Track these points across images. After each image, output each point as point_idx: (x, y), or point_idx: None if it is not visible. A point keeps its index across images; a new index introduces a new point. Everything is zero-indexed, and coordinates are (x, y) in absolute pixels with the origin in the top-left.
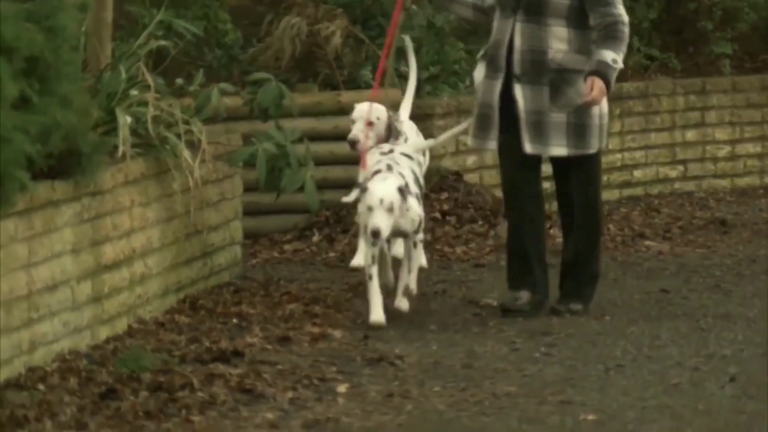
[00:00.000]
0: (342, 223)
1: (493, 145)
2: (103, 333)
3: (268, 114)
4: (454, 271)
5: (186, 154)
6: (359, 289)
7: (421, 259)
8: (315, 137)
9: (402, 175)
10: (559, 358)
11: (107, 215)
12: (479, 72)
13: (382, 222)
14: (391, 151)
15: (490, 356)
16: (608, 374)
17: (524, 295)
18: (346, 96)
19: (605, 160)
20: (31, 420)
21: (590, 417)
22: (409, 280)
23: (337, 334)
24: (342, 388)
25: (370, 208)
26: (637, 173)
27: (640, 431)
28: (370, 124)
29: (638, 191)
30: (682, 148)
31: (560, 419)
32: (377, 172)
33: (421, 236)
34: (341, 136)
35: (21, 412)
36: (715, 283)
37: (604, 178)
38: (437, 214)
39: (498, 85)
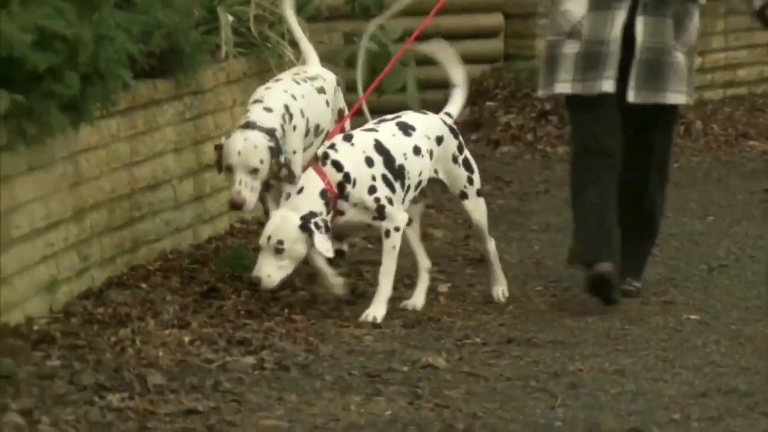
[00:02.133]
0: None
1: (608, 86)
2: (205, 233)
3: (370, 13)
4: (556, 170)
5: (288, 53)
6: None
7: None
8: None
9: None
10: (662, 258)
11: (209, 114)
12: (573, 4)
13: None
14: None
15: None
16: (711, 274)
17: (608, 267)
18: None
19: (709, 59)
20: (133, 318)
21: (693, 317)
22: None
23: (438, 234)
24: (443, 288)
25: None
26: (741, 72)
27: (744, 331)
28: (254, 171)
29: (742, 91)
30: None
31: (663, 319)
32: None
33: (388, 224)
34: (443, 35)
35: (124, 310)
36: None
37: (708, 77)
38: (536, 114)
39: (619, 17)
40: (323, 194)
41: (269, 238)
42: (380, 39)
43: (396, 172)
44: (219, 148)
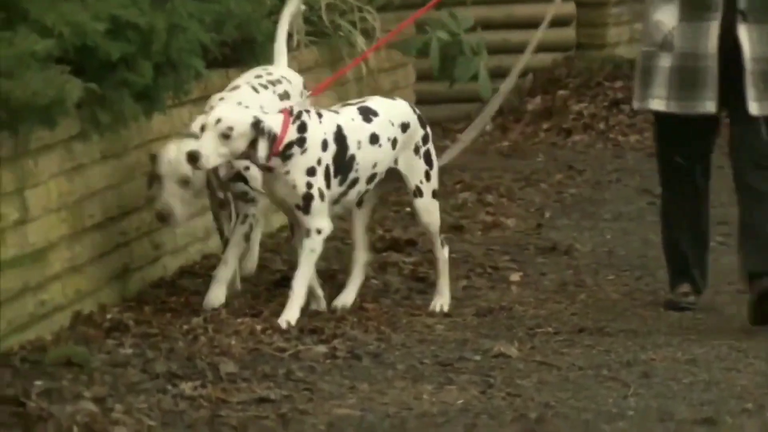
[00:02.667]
0: (515, 111)
1: (710, 106)
2: (277, 222)
3: (442, 2)
4: (628, 159)
5: (360, 42)
6: (532, 178)
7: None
8: (488, 25)
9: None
10: (735, 248)
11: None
12: (664, 14)
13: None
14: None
15: None
16: None
17: (686, 288)
18: None
19: None
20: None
21: None
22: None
23: (510, 222)
24: (515, 277)
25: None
26: None
27: None
28: (185, 182)
29: None
30: None
31: (736, 309)
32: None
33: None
34: (514, 24)
35: (196, 299)
36: None
37: None
38: (608, 103)
39: (714, 29)
40: (273, 137)
41: (219, 120)
42: (451, 28)
43: (342, 165)
44: (154, 158)
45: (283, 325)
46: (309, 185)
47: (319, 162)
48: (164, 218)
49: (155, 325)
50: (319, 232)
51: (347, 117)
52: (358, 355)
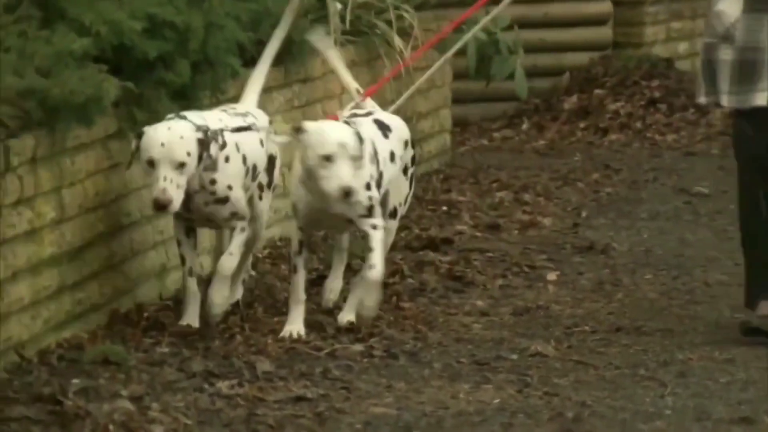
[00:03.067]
0: (552, 110)
1: (762, 98)
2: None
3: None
4: (665, 159)
5: (397, 41)
6: (569, 177)
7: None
8: (525, 24)
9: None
10: None
11: (317, 102)
12: (728, 4)
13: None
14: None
15: (701, 244)
16: None
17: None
18: None
19: None
20: (242, 305)
21: None
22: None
23: (547, 221)
24: (552, 276)
25: (326, 158)
26: None
27: None
28: (180, 165)
29: None
30: None
31: None
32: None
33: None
34: (551, 23)
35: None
36: None
37: None
38: (645, 102)
39: None
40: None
41: (344, 144)
42: (487, 27)
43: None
44: (139, 137)
45: (286, 335)
46: (370, 198)
47: (371, 176)
48: (163, 206)
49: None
50: (376, 228)
51: (371, 130)
52: (394, 354)
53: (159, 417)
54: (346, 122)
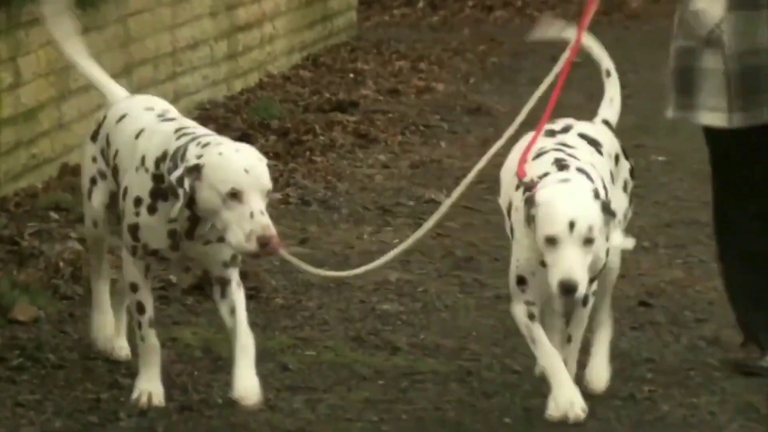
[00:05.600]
0: None
1: None
2: (238, 86)
3: None
4: None
5: None
6: (459, 49)
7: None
8: None
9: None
10: (635, 108)
11: None
12: (710, 2)
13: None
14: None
15: (573, 103)
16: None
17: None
18: None
19: None
20: None
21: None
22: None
23: (440, 87)
24: (444, 134)
25: (550, 240)
26: None
27: (705, 170)
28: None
29: None
30: None
31: (634, 161)
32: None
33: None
34: None
35: None
36: None
37: None
38: None
39: None
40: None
41: (573, 223)
42: None
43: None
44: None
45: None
46: (608, 251)
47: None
48: (274, 251)
49: None
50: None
51: (587, 156)
52: (308, 201)
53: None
54: (561, 164)
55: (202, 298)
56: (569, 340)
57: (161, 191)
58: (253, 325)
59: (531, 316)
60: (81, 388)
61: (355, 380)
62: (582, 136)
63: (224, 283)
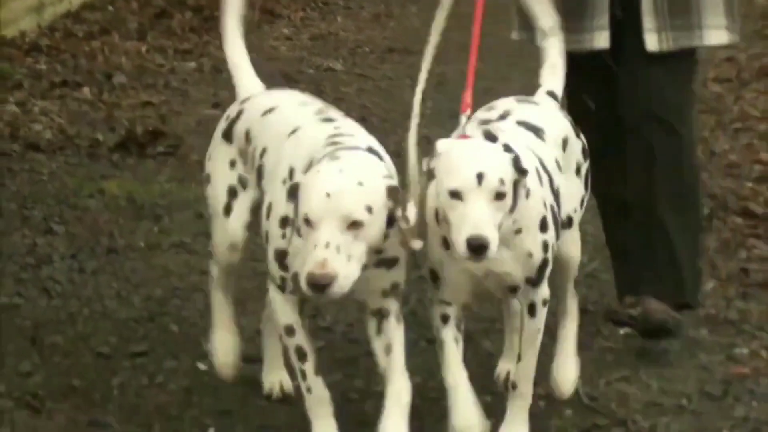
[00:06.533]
0: None
1: (602, 39)
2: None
3: None
4: None
5: None
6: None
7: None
8: None
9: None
10: None
11: None
12: None
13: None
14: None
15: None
16: None
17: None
18: None
19: None
20: (102, 33)
21: None
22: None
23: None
24: (340, 10)
25: (455, 194)
26: None
27: None
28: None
29: None
30: None
31: None
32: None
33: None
34: None
35: (95, 27)
36: None
37: None
38: None
39: None
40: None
41: (481, 175)
42: None
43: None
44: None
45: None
46: (545, 244)
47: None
48: (324, 284)
49: (64, 47)
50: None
51: (522, 141)
52: (219, 69)
53: (39, 118)
54: (489, 135)
55: (126, 154)
56: (519, 359)
57: None
58: (171, 178)
59: (444, 318)
60: (19, 234)
61: None
62: (521, 123)
63: (382, 317)
